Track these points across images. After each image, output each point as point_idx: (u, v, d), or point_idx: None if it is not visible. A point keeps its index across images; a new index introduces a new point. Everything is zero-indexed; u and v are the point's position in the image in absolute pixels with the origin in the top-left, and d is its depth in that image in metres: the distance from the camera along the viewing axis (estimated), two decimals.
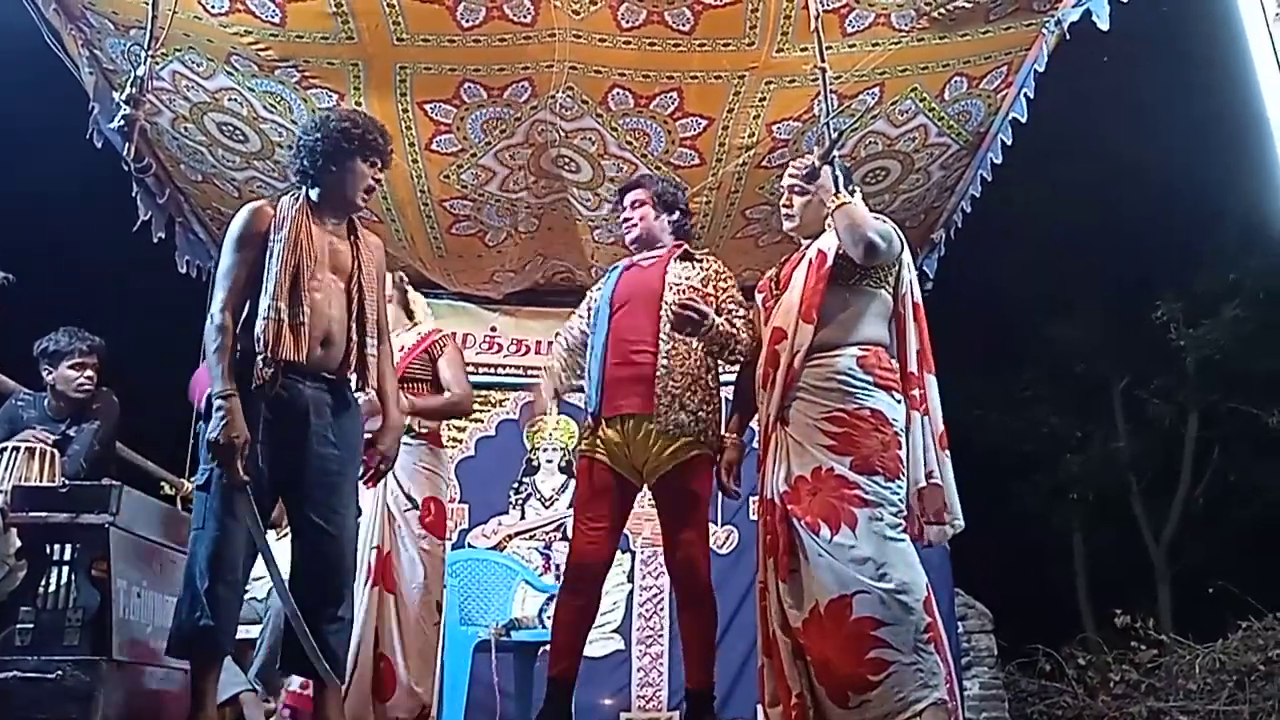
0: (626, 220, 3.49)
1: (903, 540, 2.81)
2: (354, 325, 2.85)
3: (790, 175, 3.21)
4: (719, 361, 3.30)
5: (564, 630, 3.23)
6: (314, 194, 2.87)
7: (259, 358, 2.64)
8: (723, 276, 3.37)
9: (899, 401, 2.94)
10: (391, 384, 3.00)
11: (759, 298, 3.27)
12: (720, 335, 3.13)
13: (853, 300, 3.00)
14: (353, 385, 2.91)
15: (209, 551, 2.59)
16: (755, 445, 5.47)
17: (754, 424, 3.29)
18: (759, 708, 5.00)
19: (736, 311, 3.27)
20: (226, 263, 2.77)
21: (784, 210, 3.23)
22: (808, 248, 3.13)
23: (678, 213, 3.50)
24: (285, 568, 2.78)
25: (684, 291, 3.24)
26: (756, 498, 5.29)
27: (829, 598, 2.74)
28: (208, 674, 2.63)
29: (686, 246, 3.47)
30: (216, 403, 2.61)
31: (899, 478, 2.86)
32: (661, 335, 3.23)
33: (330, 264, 2.84)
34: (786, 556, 2.85)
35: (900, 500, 2.85)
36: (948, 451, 3.01)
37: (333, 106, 4.12)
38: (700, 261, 3.41)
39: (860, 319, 2.99)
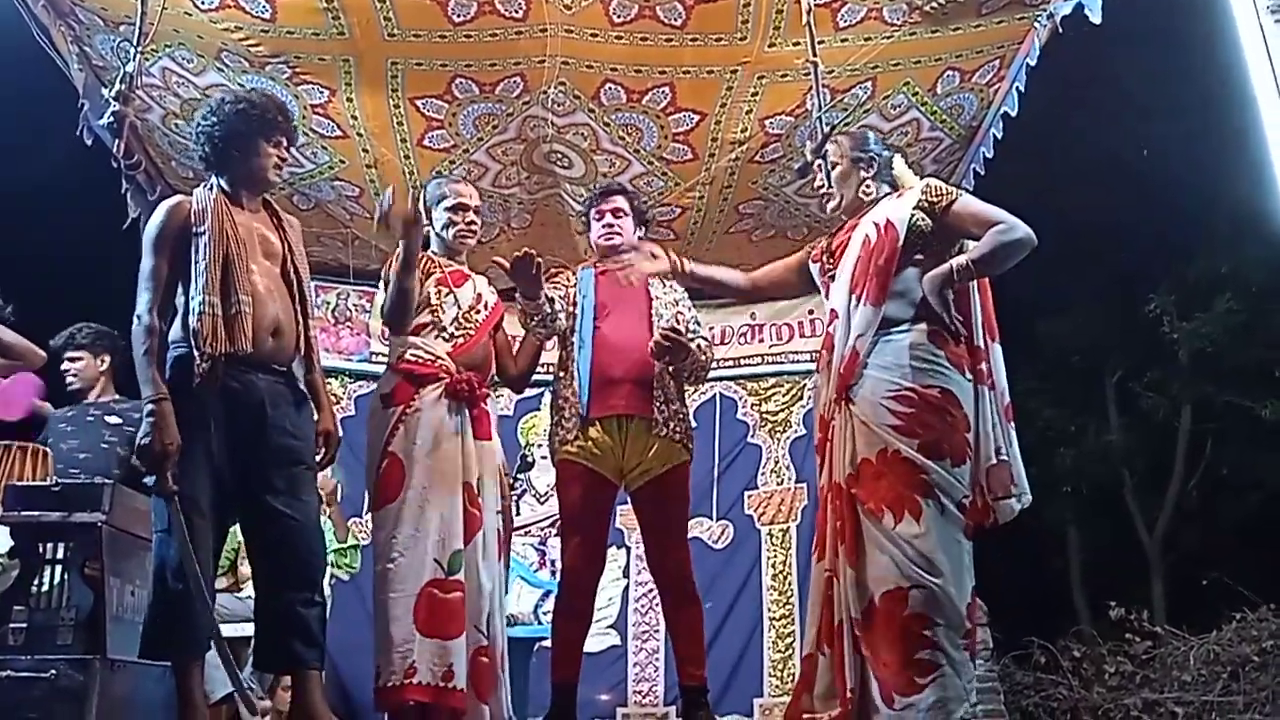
0: (608, 227, 3.47)
1: (961, 537, 2.69)
2: (297, 310, 2.84)
3: (833, 155, 3.05)
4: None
5: (564, 640, 3.28)
6: (224, 181, 2.82)
7: (196, 353, 2.61)
8: (686, 300, 3.50)
9: (969, 380, 2.78)
10: (321, 367, 3.02)
11: (814, 267, 3.08)
12: (694, 365, 3.29)
13: (913, 273, 2.80)
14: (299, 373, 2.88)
15: (181, 554, 2.58)
16: (750, 440, 5.52)
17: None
18: (755, 702, 5.04)
19: (700, 332, 3.43)
20: (149, 263, 2.70)
21: (825, 193, 3.08)
22: (863, 216, 2.95)
23: (646, 228, 3.60)
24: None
25: (666, 306, 3.39)
26: (751, 492, 5.40)
27: (884, 589, 2.61)
28: (190, 673, 2.64)
29: None
30: (147, 407, 2.56)
31: (965, 462, 2.71)
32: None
33: (262, 251, 2.81)
34: (854, 543, 2.70)
35: (965, 487, 2.70)
36: (1012, 424, 2.88)
37: (324, 103, 4.12)
38: (669, 281, 3.47)
39: (917, 294, 2.79)
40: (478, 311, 3.31)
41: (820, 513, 2.90)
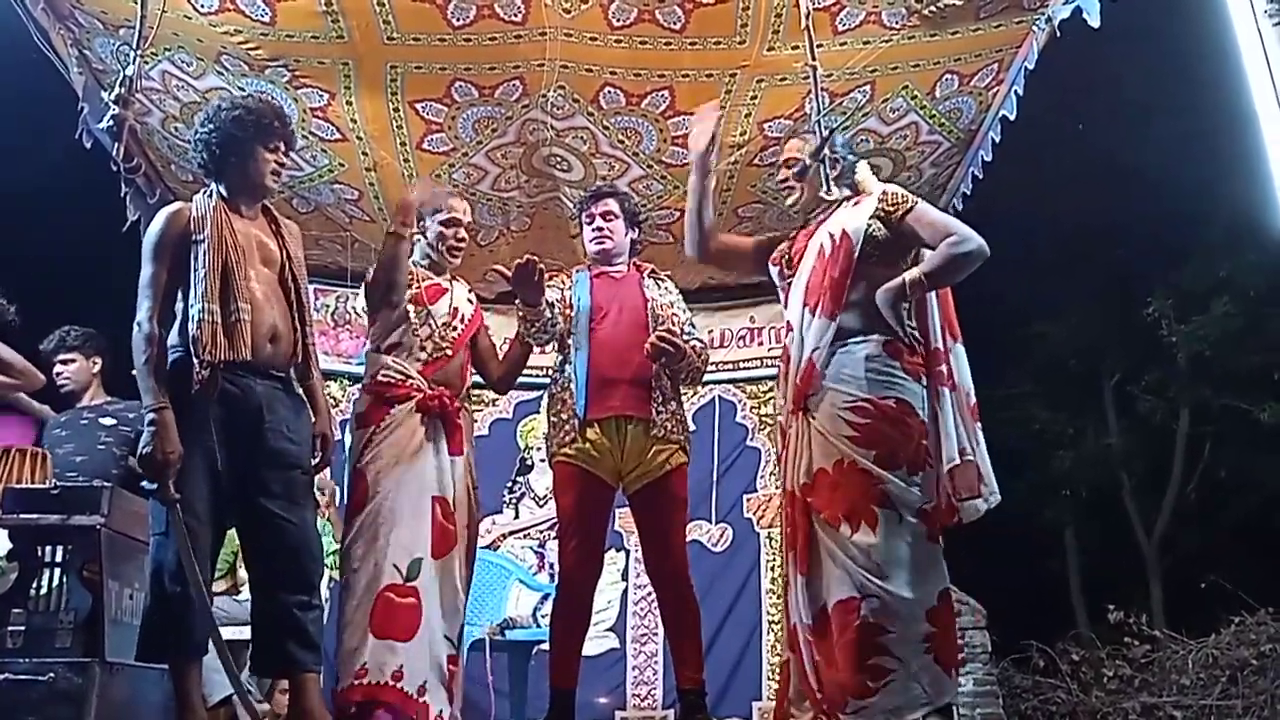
0: (598, 230, 3.47)
1: (919, 544, 2.70)
2: (295, 316, 2.86)
3: (793, 151, 3.07)
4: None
5: (563, 644, 3.30)
6: (223, 188, 2.84)
7: (195, 361, 2.62)
8: (680, 300, 3.51)
9: (925, 387, 2.82)
10: (319, 372, 3.03)
11: (774, 271, 3.11)
12: (690, 367, 3.28)
13: (873, 280, 2.81)
14: (295, 378, 2.91)
15: (176, 557, 2.59)
16: (750, 443, 5.52)
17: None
18: (754, 705, 5.03)
19: (695, 334, 3.43)
20: (148, 271, 2.73)
21: (785, 188, 3.11)
22: (820, 224, 2.98)
23: (638, 230, 3.58)
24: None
25: (661, 307, 3.39)
26: (750, 495, 5.40)
27: (837, 598, 2.66)
28: (188, 675, 2.66)
29: (653, 266, 3.58)
30: (148, 416, 2.58)
31: (923, 471, 2.74)
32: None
33: (260, 257, 2.83)
34: (806, 551, 2.74)
35: (923, 494, 2.73)
36: (979, 423, 2.90)
37: (324, 106, 4.12)
38: (663, 283, 3.51)
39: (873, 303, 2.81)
40: (453, 328, 3.34)
41: (782, 521, 2.95)
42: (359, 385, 3.34)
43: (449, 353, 3.31)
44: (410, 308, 3.26)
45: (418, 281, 3.31)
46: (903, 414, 2.75)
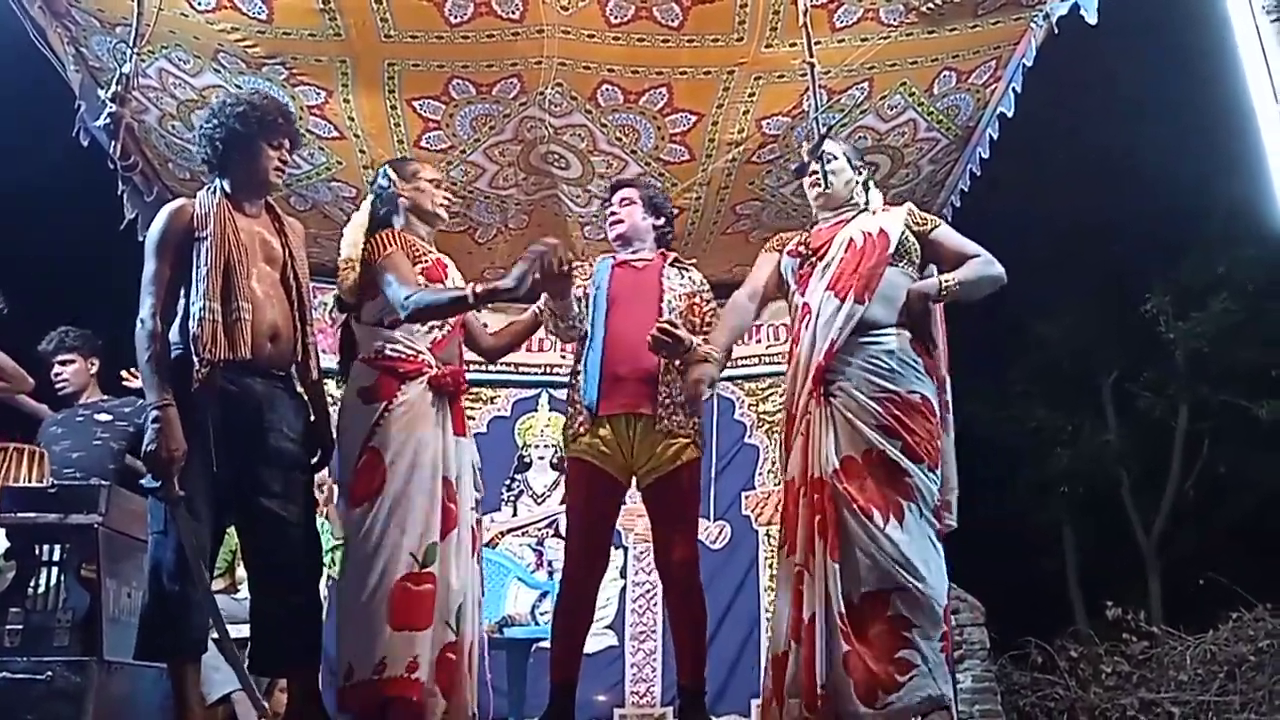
0: (613, 214, 3.49)
1: (935, 539, 2.76)
2: (296, 316, 2.85)
3: (835, 151, 3.18)
4: None
5: (564, 640, 3.28)
6: (226, 184, 2.83)
7: (195, 359, 2.62)
8: (705, 290, 3.46)
9: (937, 389, 2.92)
10: (320, 371, 3.01)
11: (791, 262, 3.14)
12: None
13: (898, 280, 2.93)
14: (296, 377, 2.90)
15: (176, 555, 2.59)
16: (748, 440, 5.53)
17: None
18: (752, 702, 5.04)
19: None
20: (151, 267, 2.71)
21: (820, 181, 3.14)
22: (851, 220, 3.08)
23: (663, 219, 3.54)
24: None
25: (679, 298, 3.34)
26: (749, 492, 5.40)
27: (865, 589, 2.69)
28: (186, 674, 2.65)
29: (677, 255, 3.53)
30: (152, 413, 2.57)
31: (937, 469, 2.81)
32: None
33: (263, 256, 2.82)
34: (837, 538, 2.74)
35: (938, 492, 2.81)
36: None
37: (321, 104, 4.11)
38: (688, 272, 3.47)
39: (900, 301, 2.92)
40: None
41: (789, 506, 2.92)
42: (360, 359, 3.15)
43: (451, 330, 3.19)
44: (422, 281, 3.09)
45: (424, 255, 3.16)
46: (926, 410, 2.83)
